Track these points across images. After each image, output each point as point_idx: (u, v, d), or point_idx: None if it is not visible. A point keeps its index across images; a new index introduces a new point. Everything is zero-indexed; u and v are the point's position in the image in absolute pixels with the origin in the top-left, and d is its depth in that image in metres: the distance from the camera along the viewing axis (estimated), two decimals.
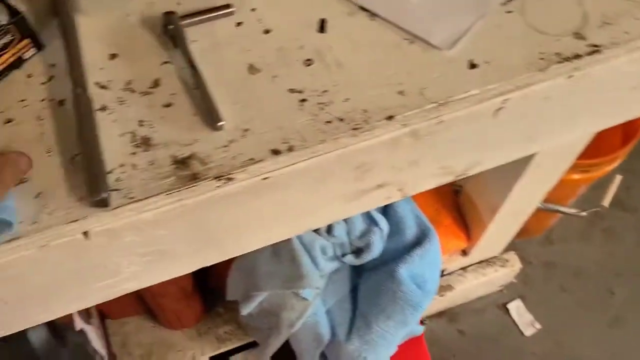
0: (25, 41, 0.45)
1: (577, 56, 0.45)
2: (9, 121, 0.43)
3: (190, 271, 0.53)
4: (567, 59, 0.45)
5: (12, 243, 0.38)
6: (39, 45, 0.46)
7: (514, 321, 1.21)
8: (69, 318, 0.75)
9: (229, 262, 0.84)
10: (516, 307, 1.23)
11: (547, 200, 1.11)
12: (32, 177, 0.40)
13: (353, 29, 0.47)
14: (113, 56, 0.46)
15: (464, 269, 1.12)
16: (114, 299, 0.90)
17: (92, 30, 0.47)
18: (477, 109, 0.45)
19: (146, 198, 0.40)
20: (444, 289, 1.11)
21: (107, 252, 0.43)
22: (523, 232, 1.16)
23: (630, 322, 1.21)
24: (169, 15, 0.46)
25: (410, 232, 0.83)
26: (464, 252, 1.06)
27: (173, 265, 0.50)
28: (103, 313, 0.97)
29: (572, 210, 1.10)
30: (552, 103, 0.49)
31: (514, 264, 1.15)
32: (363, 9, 0.48)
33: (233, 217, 0.46)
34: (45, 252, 0.40)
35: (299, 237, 0.75)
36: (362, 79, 0.45)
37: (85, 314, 0.85)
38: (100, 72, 0.45)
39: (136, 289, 0.52)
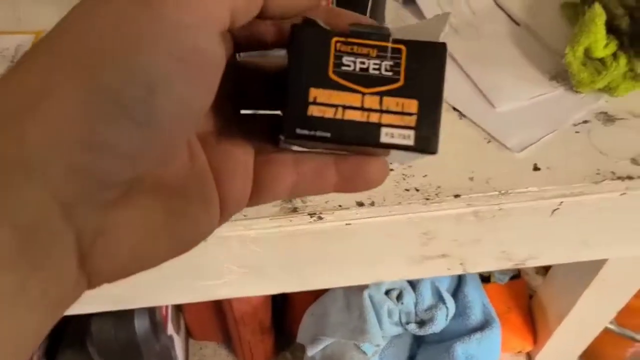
0: None
1: (630, 177, 0.53)
2: None
3: (273, 293, 0.64)
4: (620, 178, 0.53)
5: None
6: None
7: None
8: (164, 320, 0.88)
9: (306, 309, 0.94)
10: None
11: (624, 325, 1.12)
12: None
13: (443, 123, 0.58)
14: None
15: None
16: (201, 319, 1.02)
17: None
18: (535, 204, 0.54)
19: (256, 218, 0.52)
20: None
21: (215, 256, 0.56)
22: (596, 357, 1.15)
23: None
24: None
25: (474, 317, 0.89)
26: (529, 356, 1.08)
27: (262, 283, 0.62)
28: (189, 331, 1.09)
29: None
30: (606, 215, 0.56)
31: None
32: (455, 109, 0.59)
33: (317, 252, 0.57)
34: None
35: (371, 297, 0.84)
36: (442, 163, 0.55)
37: (177, 324, 0.97)
38: None
39: (228, 297, 0.64)
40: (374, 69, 0.24)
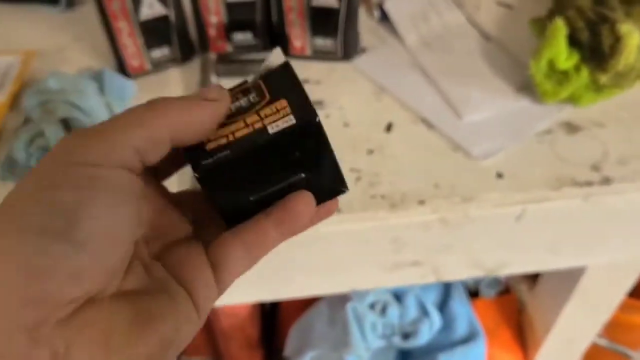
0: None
1: (589, 183, 0.54)
2: None
3: (249, 302, 0.65)
4: (580, 185, 0.54)
5: None
6: None
7: None
8: None
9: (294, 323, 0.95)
10: None
11: (617, 341, 1.12)
12: None
13: (412, 133, 0.60)
14: None
15: None
16: None
17: None
18: (499, 211, 0.55)
19: None
20: None
21: None
22: None
23: None
24: None
25: (460, 331, 0.90)
26: None
27: (232, 292, 0.63)
28: None
29: None
30: (571, 222, 0.57)
31: None
32: (424, 120, 0.61)
33: (284, 260, 0.59)
34: None
35: (354, 309, 0.85)
36: (408, 171, 0.57)
37: None
38: None
39: None
40: (245, 102, 0.29)
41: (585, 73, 0.59)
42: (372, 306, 0.87)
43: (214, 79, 0.65)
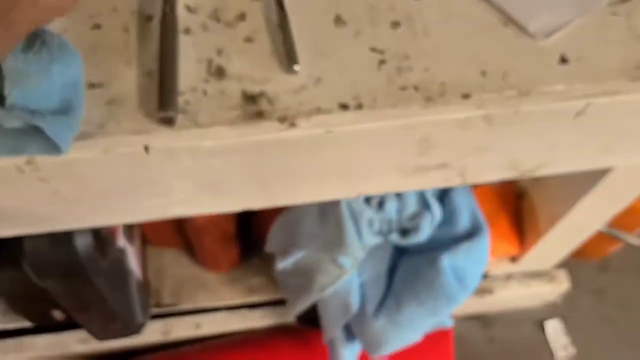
0: None
1: None
2: (97, 27, 0.44)
3: (236, 210, 0.54)
4: None
5: (79, 142, 0.39)
6: None
7: (547, 341, 1.18)
8: (113, 233, 0.78)
9: (274, 215, 0.85)
10: (553, 327, 1.19)
11: (611, 224, 1.06)
12: (107, 83, 0.42)
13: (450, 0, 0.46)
14: None
15: (509, 276, 1.09)
16: (158, 226, 0.93)
17: None
18: (558, 106, 0.43)
19: (211, 126, 0.40)
20: (484, 291, 1.09)
21: (163, 172, 0.44)
22: (579, 254, 1.11)
23: None
24: None
25: (462, 224, 0.81)
26: (513, 259, 1.03)
27: (221, 200, 0.51)
28: (145, 237, 1.00)
29: (636, 241, 1.05)
30: (636, 118, 0.46)
31: (562, 282, 1.11)
32: None
33: (290, 164, 0.46)
34: (107, 158, 0.41)
35: (349, 205, 0.74)
36: (446, 52, 0.43)
37: (129, 234, 0.88)
38: None
39: (183, 216, 0.54)
40: None
41: None
42: (367, 200, 0.76)
43: None
